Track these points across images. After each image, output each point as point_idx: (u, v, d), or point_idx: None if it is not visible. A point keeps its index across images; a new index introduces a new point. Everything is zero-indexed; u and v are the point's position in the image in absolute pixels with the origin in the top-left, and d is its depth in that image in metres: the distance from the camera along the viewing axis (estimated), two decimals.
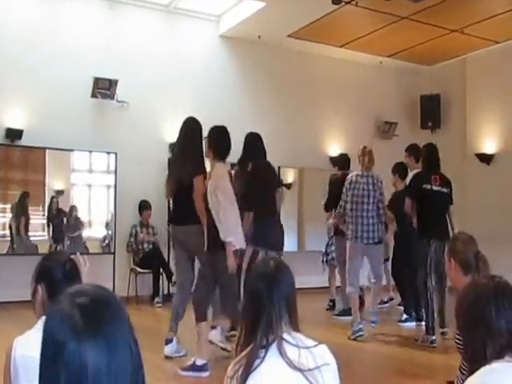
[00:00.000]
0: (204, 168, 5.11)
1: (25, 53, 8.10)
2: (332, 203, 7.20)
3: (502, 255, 6.76)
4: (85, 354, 0.96)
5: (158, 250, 8.54)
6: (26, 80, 8.09)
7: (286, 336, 1.80)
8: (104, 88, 8.38)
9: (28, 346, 1.92)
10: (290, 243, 8.04)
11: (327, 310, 7.90)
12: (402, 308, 7.32)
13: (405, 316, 7.03)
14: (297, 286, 1.96)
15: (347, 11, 8.39)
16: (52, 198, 8.49)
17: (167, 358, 5.02)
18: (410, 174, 6.66)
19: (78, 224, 8.65)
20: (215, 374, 4.39)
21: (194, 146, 5.12)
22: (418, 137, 9.85)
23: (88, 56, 8.47)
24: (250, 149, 5.82)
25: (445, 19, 8.72)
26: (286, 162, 9.35)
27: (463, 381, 1.70)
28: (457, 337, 2.55)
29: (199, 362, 4.60)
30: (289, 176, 10.01)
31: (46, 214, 8.45)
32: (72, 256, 2.31)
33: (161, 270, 8.43)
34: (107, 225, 8.82)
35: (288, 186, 9.64)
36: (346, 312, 7.15)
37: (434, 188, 6.00)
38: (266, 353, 1.77)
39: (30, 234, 8.32)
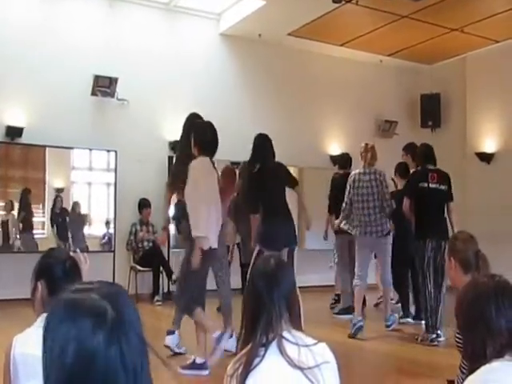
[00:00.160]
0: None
1: (25, 52, 8.09)
2: (335, 204, 7.25)
3: (502, 254, 6.76)
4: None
5: (158, 248, 8.53)
6: (26, 78, 8.09)
7: (285, 334, 1.80)
8: (104, 86, 8.38)
9: (27, 344, 1.92)
10: None
11: (332, 305, 7.85)
12: (399, 306, 7.32)
13: (401, 314, 7.03)
14: (297, 284, 1.96)
15: (347, 10, 8.38)
16: (56, 196, 8.49)
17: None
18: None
19: (82, 220, 8.67)
20: (215, 373, 4.39)
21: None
22: (418, 136, 9.85)
23: (88, 54, 8.47)
24: (257, 150, 5.82)
25: (445, 18, 8.72)
26: (286, 161, 9.21)
27: (463, 380, 1.70)
28: (457, 336, 2.54)
29: (199, 361, 4.60)
30: None
31: (50, 213, 8.46)
32: (72, 253, 2.31)
33: (161, 268, 8.44)
34: (107, 223, 8.83)
35: None
36: (346, 310, 7.17)
37: (431, 186, 5.98)
38: (265, 351, 1.77)
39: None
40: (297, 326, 1.88)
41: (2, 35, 8.04)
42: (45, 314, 1.98)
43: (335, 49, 10.21)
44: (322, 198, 7.74)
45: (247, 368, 1.74)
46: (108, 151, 8.69)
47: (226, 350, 5.12)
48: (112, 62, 8.61)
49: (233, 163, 7.94)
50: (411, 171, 6.65)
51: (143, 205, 8.63)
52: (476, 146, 10.21)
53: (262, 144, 5.83)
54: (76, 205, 8.66)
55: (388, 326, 6.39)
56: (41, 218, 8.49)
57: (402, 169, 7.17)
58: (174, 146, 8.66)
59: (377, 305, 8.06)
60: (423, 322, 6.11)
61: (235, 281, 6.97)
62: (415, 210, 5.98)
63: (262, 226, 5.61)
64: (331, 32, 9.47)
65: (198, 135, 4.85)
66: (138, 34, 8.97)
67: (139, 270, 8.48)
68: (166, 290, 8.57)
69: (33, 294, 2.14)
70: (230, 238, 6.25)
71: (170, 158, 8.57)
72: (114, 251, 8.53)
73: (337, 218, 7.26)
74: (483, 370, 1.59)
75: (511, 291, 1.71)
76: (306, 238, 9.06)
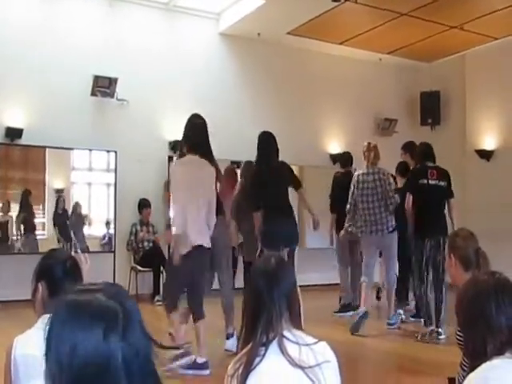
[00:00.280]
0: (213, 163, 5.13)
1: (25, 52, 8.09)
2: (336, 202, 7.28)
3: (502, 252, 6.76)
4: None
5: (159, 248, 8.54)
6: (25, 79, 8.08)
7: (286, 333, 1.80)
8: (104, 86, 8.37)
9: (28, 344, 1.92)
10: None
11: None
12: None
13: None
14: (297, 283, 1.96)
15: (347, 8, 8.38)
16: (58, 197, 8.49)
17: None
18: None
19: (82, 220, 8.67)
20: (216, 373, 4.39)
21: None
22: (417, 133, 9.86)
23: (88, 54, 8.46)
24: (262, 147, 5.84)
25: (444, 16, 8.72)
26: (286, 160, 9.22)
27: (464, 377, 1.71)
28: (457, 333, 2.55)
29: (200, 360, 4.61)
30: None
31: (52, 213, 8.46)
32: (73, 254, 2.32)
33: (161, 268, 8.43)
34: (107, 223, 8.83)
35: None
36: (345, 308, 7.22)
37: (431, 182, 5.99)
38: (266, 350, 1.76)
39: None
40: (297, 325, 1.88)
41: (1, 35, 8.03)
42: (46, 315, 1.99)
43: (334, 47, 10.20)
44: (321, 197, 7.74)
45: (248, 368, 1.74)
46: (108, 151, 8.69)
47: (226, 350, 5.15)
48: (112, 62, 8.60)
49: (232, 162, 7.95)
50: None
51: (143, 205, 8.63)
52: (476, 144, 10.20)
53: (267, 141, 5.85)
54: (77, 205, 8.67)
55: (390, 325, 6.39)
56: (41, 218, 8.49)
57: (402, 168, 7.18)
58: (174, 145, 8.67)
59: (378, 298, 8.09)
60: (422, 319, 6.12)
61: (241, 280, 6.98)
62: (415, 208, 5.99)
63: (263, 225, 5.63)
64: (330, 30, 9.47)
65: (185, 134, 4.93)
66: (138, 34, 8.96)
67: (139, 271, 8.49)
68: None
69: (33, 294, 2.14)
70: (233, 238, 6.23)
71: (170, 158, 8.58)
72: (114, 251, 8.53)
73: (338, 216, 7.30)
74: (484, 367, 1.59)
75: (511, 289, 1.71)
76: (307, 236, 9.06)
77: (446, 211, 6.13)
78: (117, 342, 0.98)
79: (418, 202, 5.96)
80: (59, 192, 8.56)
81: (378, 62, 10.81)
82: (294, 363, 1.73)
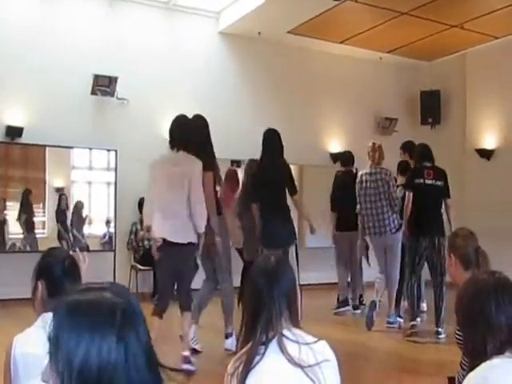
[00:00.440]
0: (212, 165, 5.14)
1: (25, 52, 8.08)
2: (337, 201, 7.30)
3: (502, 251, 6.75)
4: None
5: None
6: (25, 78, 8.08)
7: (286, 332, 1.80)
8: (104, 85, 8.36)
9: (28, 343, 1.92)
10: None
11: (360, 304, 7.67)
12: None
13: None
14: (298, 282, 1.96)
15: (347, 7, 8.37)
16: (60, 195, 8.49)
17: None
18: None
19: (83, 219, 8.67)
20: (216, 371, 4.38)
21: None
22: (418, 133, 9.86)
23: (88, 53, 8.45)
24: (267, 144, 5.86)
25: (444, 15, 8.71)
26: (286, 159, 9.33)
27: (464, 376, 1.70)
28: (457, 332, 2.55)
29: (185, 353, 4.67)
30: None
31: (54, 212, 8.45)
32: (72, 253, 2.32)
33: None
34: (107, 222, 8.83)
35: None
36: (343, 303, 7.29)
37: (427, 182, 6.01)
38: (265, 349, 1.76)
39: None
40: (296, 323, 1.87)
41: (1, 35, 8.02)
42: (45, 314, 1.99)
43: (335, 46, 10.19)
44: (321, 196, 7.75)
45: (248, 366, 1.74)
46: (108, 150, 8.68)
47: (226, 349, 5.16)
48: (112, 61, 8.59)
49: (232, 161, 7.95)
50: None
51: (143, 204, 8.61)
52: (476, 143, 10.20)
53: (272, 138, 5.87)
54: (79, 204, 8.67)
55: (390, 323, 6.38)
56: (41, 217, 8.49)
57: (403, 167, 7.19)
58: None
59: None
60: (418, 319, 6.14)
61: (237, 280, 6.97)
62: (411, 207, 6.01)
63: (261, 224, 5.65)
64: (331, 29, 9.46)
65: (171, 131, 5.21)
66: (138, 33, 8.96)
67: (140, 269, 8.49)
68: None
69: (33, 293, 2.15)
70: (236, 239, 6.23)
71: None
72: (114, 250, 8.53)
73: (339, 215, 7.34)
74: (483, 366, 1.59)
75: (511, 288, 1.71)
76: (306, 236, 9.05)
77: (443, 211, 6.15)
78: (130, 338, 1.00)
79: (414, 201, 5.98)
80: (59, 191, 8.55)
81: (379, 61, 10.80)
82: (293, 362, 1.73)
